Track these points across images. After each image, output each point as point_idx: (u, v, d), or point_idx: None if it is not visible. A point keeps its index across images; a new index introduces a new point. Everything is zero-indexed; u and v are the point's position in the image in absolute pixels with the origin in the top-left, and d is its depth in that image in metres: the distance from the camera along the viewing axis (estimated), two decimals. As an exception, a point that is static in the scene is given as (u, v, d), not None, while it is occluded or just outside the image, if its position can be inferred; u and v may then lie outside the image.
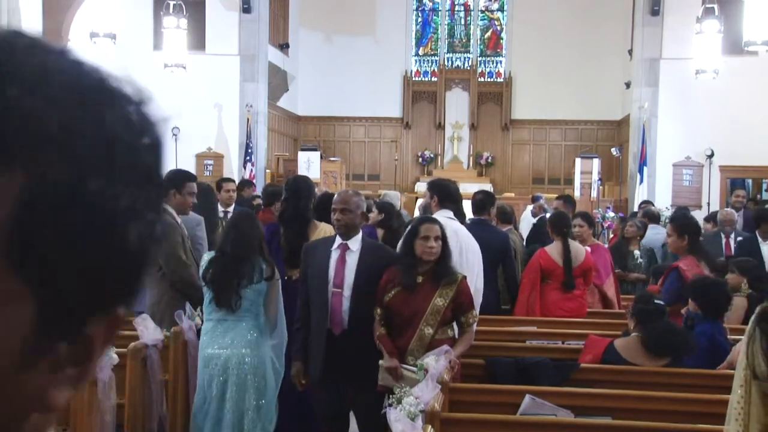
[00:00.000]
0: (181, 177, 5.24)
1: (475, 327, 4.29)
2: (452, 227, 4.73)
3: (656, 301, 4.64)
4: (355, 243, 4.32)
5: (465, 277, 4.31)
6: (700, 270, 5.13)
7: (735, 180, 15.50)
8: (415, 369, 3.84)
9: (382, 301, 4.21)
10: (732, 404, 2.53)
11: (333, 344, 4.21)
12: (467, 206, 9.10)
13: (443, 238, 4.27)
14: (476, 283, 4.92)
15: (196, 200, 6.43)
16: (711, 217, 9.49)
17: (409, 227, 4.43)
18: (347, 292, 4.23)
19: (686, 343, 4.39)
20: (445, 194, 5.21)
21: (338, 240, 4.34)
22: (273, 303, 4.54)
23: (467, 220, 6.89)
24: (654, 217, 8.75)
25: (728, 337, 4.70)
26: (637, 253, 7.69)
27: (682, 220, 5.53)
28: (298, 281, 4.63)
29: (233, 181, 8.05)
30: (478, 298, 4.94)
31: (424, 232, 4.24)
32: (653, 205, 10.58)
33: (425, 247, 4.17)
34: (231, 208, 7.58)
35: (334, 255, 4.30)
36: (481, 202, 6.52)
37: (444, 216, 4.95)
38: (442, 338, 4.08)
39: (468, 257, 4.91)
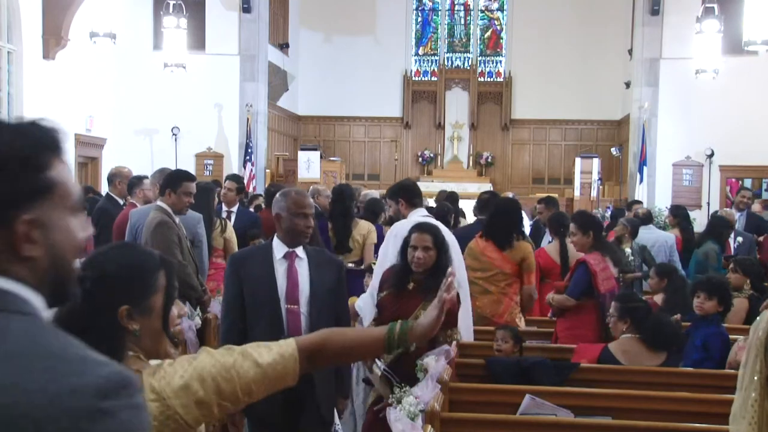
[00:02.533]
0: (176, 177, 5.29)
1: (453, 347, 3.87)
2: None
3: (641, 298, 4.67)
4: (301, 249, 3.69)
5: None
6: (606, 265, 5.20)
7: (739, 179, 15.50)
8: (380, 366, 3.77)
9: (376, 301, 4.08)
10: (744, 406, 2.53)
11: (292, 407, 3.52)
12: (467, 206, 9.13)
13: (440, 248, 4.00)
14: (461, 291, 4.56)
15: (195, 199, 6.44)
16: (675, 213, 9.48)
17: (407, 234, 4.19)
18: (304, 308, 3.59)
19: (680, 335, 4.42)
20: (411, 193, 5.15)
21: (281, 247, 3.66)
22: None
23: (470, 220, 6.92)
24: (647, 217, 8.76)
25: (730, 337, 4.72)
26: (628, 251, 7.70)
27: (585, 218, 5.59)
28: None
29: (232, 179, 8.00)
30: (467, 321, 4.66)
31: (413, 241, 4.01)
32: (641, 204, 10.67)
33: (413, 257, 3.96)
34: (234, 208, 7.55)
35: (280, 266, 3.63)
36: (487, 202, 6.53)
37: (420, 216, 4.89)
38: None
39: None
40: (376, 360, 3.81)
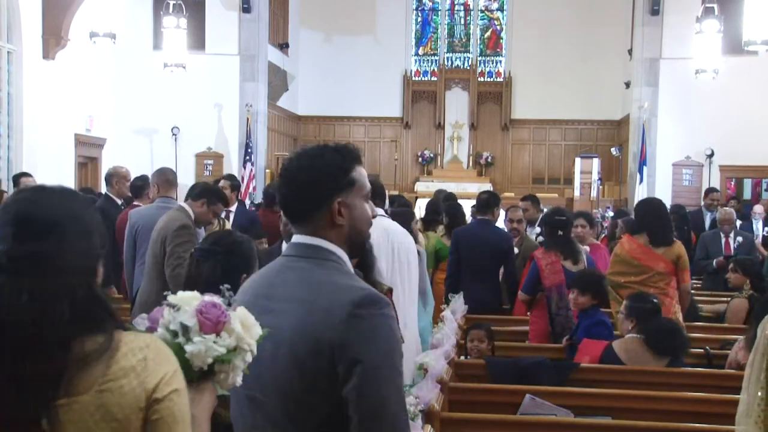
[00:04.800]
0: (216, 194, 5.26)
1: (452, 347, 3.74)
2: (382, 225, 4.19)
3: (653, 299, 4.67)
4: None
5: (391, 290, 3.68)
6: (554, 260, 5.35)
7: (739, 180, 15.51)
8: None
9: None
10: (751, 406, 2.53)
11: None
12: (465, 206, 9.12)
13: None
14: (409, 296, 4.28)
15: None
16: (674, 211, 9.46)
17: None
18: None
19: (686, 341, 4.41)
20: (372, 193, 5.09)
21: None
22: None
23: (472, 220, 6.91)
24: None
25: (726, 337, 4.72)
26: None
27: (549, 218, 5.79)
28: None
29: (227, 178, 8.00)
30: (412, 330, 4.34)
31: None
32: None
33: None
34: (233, 208, 7.55)
35: None
36: (486, 202, 6.52)
37: (381, 214, 4.86)
38: None
39: (401, 258, 4.32)
40: None
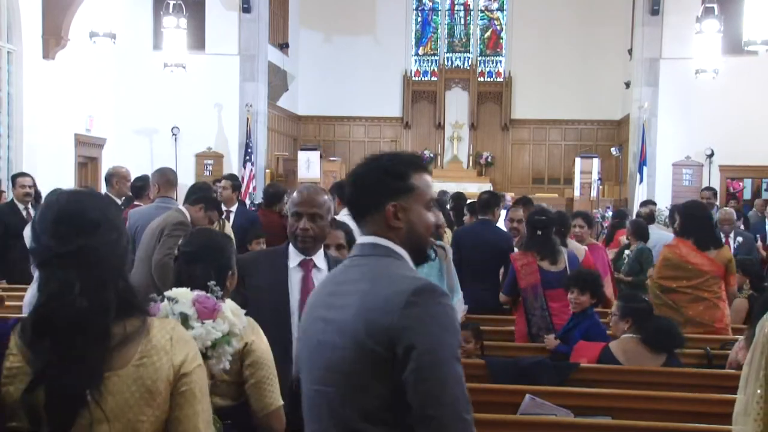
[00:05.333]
0: (215, 203, 5.46)
1: None
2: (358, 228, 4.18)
3: (646, 299, 4.68)
4: (321, 259, 3.12)
5: None
6: (529, 260, 5.35)
7: (740, 179, 15.51)
8: None
9: None
10: (750, 403, 2.53)
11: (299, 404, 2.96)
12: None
13: (350, 246, 3.49)
14: None
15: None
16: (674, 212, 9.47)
17: None
18: None
19: (681, 337, 4.42)
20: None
21: (295, 255, 3.11)
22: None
23: (475, 221, 6.90)
24: (649, 217, 8.73)
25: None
26: (627, 252, 7.68)
27: (530, 217, 5.81)
28: None
29: (228, 178, 8.00)
30: None
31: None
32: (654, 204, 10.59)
33: None
34: (233, 207, 7.54)
35: (295, 276, 3.08)
36: (487, 202, 6.52)
37: (346, 214, 4.89)
38: None
39: None
40: None
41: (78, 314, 1.54)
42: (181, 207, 5.23)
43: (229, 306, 1.91)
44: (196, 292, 1.89)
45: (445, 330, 1.76)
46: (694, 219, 5.49)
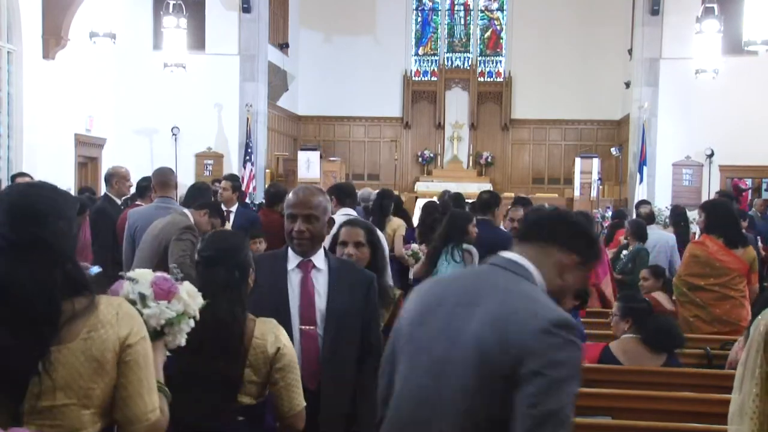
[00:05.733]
0: (218, 210, 5.66)
1: None
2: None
3: (645, 299, 4.67)
4: (321, 259, 3.05)
5: (403, 295, 3.40)
6: None
7: (739, 179, 15.49)
8: None
9: None
10: (745, 403, 2.53)
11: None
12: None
13: (374, 246, 3.57)
14: None
15: (191, 198, 6.46)
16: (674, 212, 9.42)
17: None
18: (322, 330, 2.95)
19: (681, 337, 4.42)
20: (343, 192, 5.47)
21: (294, 256, 3.04)
22: None
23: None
24: (649, 217, 8.73)
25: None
26: (624, 252, 7.68)
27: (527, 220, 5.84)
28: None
29: (228, 179, 8.02)
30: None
31: (342, 236, 3.55)
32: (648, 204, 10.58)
33: (342, 254, 3.47)
34: (233, 208, 7.55)
35: (294, 277, 3.01)
36: (486, 202, 6.51)
37: (342, 214, 4.92)
38: None
39: None
40: None
41: (25, 293, 1.70)
42: (185, 211, 5.28)
43: (186, 288, 2.08)
44: (157, 274, 2.08)
45: (573, 369, 1.79)
46: (722, 217, 5.46)
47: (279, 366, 2.59)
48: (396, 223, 7.19)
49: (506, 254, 2.03)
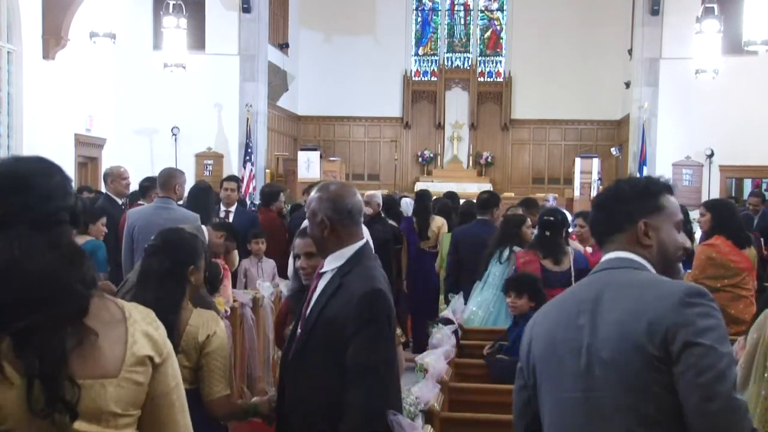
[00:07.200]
0: (235, 236, 5.90)
1: (453, 347, 3.68)
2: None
3: None
4: (332, 263, 2.71)
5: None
6: (531, 258, 5.40)
7: (739, 179, 15.49)
8: None
9: (282, 339, 3.30)
10: (752, 402, 2.53)
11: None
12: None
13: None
14: None
15: (193, 198, 6.46)
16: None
17: None
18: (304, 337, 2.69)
19: None
20: (386, 204, 5.30)
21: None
22: None
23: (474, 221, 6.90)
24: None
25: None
26: None
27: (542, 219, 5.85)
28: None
29: (233, 179, 8.06)
30: None
31: (296, 248, 3.23)
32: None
33: (300, 267, 3.20)
34: (233, 208, 7.59)
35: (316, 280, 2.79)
36: (486, 202, 6.52)
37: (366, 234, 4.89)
38: None
39: None
40: None
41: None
42: (203, 226, 5.13)
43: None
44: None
45: (722, 330, 1.80)
46: (728, 218, 5.47)
47: (206, 351, 2.85)
48: (439, 221, 8.08)
49: (610, 256, 2.04)
